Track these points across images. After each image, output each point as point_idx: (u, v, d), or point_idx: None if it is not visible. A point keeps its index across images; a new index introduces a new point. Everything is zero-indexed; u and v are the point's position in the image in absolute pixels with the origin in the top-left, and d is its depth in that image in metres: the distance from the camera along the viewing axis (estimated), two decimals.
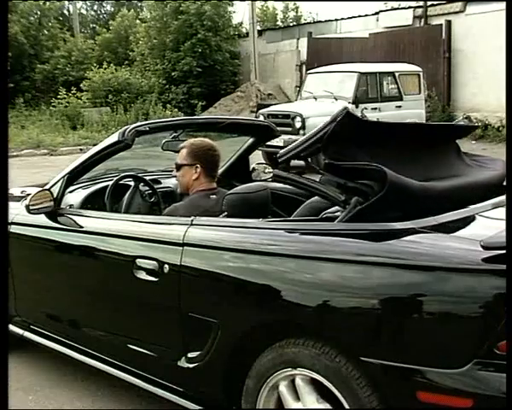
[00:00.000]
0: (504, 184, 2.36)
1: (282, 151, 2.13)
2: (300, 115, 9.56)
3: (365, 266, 1.74)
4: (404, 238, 1.76)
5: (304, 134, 7.18)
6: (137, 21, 21.15)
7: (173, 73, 18.11)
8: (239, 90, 18.45)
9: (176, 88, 18.03)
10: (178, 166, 2.80)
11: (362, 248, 1.80)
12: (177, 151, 2.93)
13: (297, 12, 27.04)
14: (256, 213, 2.33)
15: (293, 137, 8.09)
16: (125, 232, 2.49)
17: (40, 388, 2.92)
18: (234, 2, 19.79)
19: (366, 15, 16.23)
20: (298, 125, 9.50)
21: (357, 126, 2.06)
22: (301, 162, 2.15)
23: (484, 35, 12.86)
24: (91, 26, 29.11)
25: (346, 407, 1.78)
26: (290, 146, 2.10)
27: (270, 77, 18.56)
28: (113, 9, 29.97)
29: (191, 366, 2.20)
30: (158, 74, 18.65)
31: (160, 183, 3.47)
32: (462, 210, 1.98)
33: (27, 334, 3.03)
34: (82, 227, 2.70)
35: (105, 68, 17.83)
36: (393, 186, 1.82)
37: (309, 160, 2.12)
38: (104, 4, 31.19)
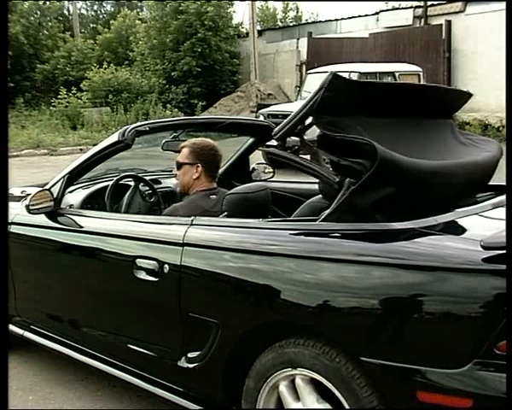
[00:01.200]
0: (500, 183, 2.36)
1: (277, 129, 2.12)
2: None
3: (365, 266, 1.74)
4: (404, 238, 1.76)
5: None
6: (137, 21, 21.16)
7: (173, 73, 18.12)
8: (239, 90, 18.45)
9: (176, 88, 18.05)
10: (179, 165, 2.80)
11: (362, 248, 1.80)
12: (177, 151, 2.93)
13: (297, 12, 27.07)
14: (256, 213, 2.33)
15: (294, 137, 8.09)
16: (125, 232, 2.48)
17: (40, 388, 2.92)
18: (234, 2, 19.83)
19: (366, 15, 16.24)
20: None
21: (348, 89, 2.03)
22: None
23: (484, 35, 12.87)
24: (91, 26, 29.12)
25: (346, 407, 1.78)
26: (284, 122, 2.10)
27: (270, 77, 18.56)
28: (113, 9, 30.00)
29: (191, 366, 2.20)
30: (158, 74, 18.66)
31: (160, 183, 3.48)
32: (462, 210, 1.98)
33: (27, 334, 3.03)
34: (82, 227, 2.70)
35: (105, 68, 17.85)
36: (384, 162, 1.81)
37: (304, 137, 2.11)
38: (104, 4, 31.25)
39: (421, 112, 2.29)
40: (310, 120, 2.04)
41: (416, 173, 1.92)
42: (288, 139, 2.22)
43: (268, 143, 3.77)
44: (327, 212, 1.98)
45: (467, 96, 2.57)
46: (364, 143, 1.84)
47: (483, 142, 2.48)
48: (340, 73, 2.04)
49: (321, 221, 1.97)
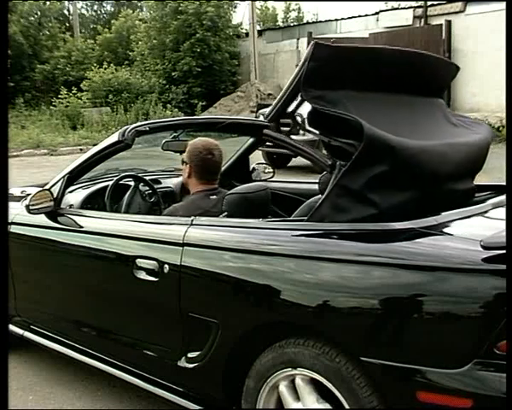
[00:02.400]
0: (500, 183, 2.35)
1: (268, 111, 2.12)
2: (300, 115, 9.52)
3: (365, 266, 1.74)
4: (404, 238, 1.76)
5: (304, 134, 7.18)
6: (137, 22, 21.16)
7: (173, 73, 18.12)
8: (239, 90, 18.45)
9: (176, 88, 18.04)
10: (182, 161, 2.82)
11: (362, 248, 1.80)
12: (177, 151, 2.94)
13: (299, 12, 27.03)
14: (256, 213, 2.33)
15: (294, 137, 8.09)
16: (125, 232, 2.48)
17: (40, 388, 2.92)
18: (235, 2, 19.82)
19: (366, 15, 16.22)
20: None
21: (334, 58, 2.00)
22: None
23: (484, 35, 12.87)
24: (91, 26, 29.12)
25: (346, 407, 1.78)
26: (274, 103, 2.10)
27: (270, 77, 18.55)
28: (113, 10, 30.00)
29: (191, 366, 2.20)
30: (158, 74, 18.65)
31: (160, 183, 3.48)
32: (461, 210, 1.98)
33: (27, 334, 3.03)
34: (82, 227, 2.70)
35: (105, 68, 17.84)
36: (371, 141, 1.81)
37: (296, 118, 2.10)
38: (104, 4, 31.24)
39: (412, 85, 2.26)
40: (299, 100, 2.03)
41: (406, 153, 1.90)
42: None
43: (268, 143, 3.77)
44: (322, 197, 1.97)
45: (455, 68, 2.56)
46: (351, 120, 1.84)
47: (474, 124, 2.48)
48: None
49: (317, 208, 1.96)
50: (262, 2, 26.19)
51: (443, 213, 1.89)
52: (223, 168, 3.30)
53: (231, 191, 2.55)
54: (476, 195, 2.36)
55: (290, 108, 2.48)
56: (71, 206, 2.92)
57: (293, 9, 27.24)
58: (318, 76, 1.93)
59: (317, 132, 2.07)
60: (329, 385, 1.81)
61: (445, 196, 2.11)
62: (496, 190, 2.38)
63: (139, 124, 2.73)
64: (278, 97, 2.06)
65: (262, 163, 3.95)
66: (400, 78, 2.22)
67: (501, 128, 12.10)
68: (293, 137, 2.75)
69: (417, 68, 2.33)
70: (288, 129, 2.27)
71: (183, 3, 17.69)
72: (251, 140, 3.44)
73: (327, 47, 1.98)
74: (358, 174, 1.87)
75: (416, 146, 1.95)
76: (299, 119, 2.60)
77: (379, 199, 1.88)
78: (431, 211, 1.93)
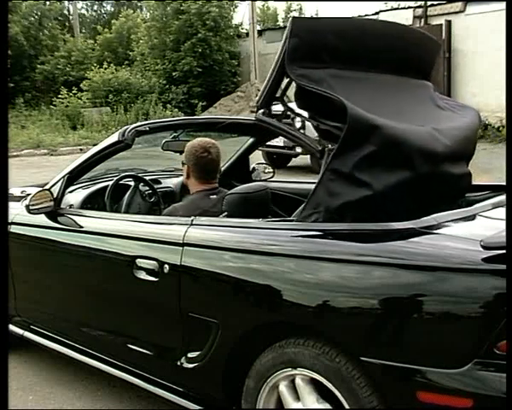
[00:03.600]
0: (500, 183, 2.35)
1: (258, 97, 2.12)
2: (300, 115, 9.54)
3: (365, 266, 1.74)
4: (404, 238, 1.75)
5: (304, 134, 7.18)
6: (138, 21, 21.16)
7: (174, 73, 18.11)
8: (239, 90, 18.45)
9: (176, 88, 18.03)
10: (182, 162, 2.82)
11: (362, 248, 1.80)
12: (177, 151, 2.93)
13: (300, 12, 27.03)
14: (256, 213, 2.33)
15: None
16: (125, 232, 2.48)
17: (40, 388, 2.92)
18: (236, 2, 19.82)
19: (366, 15, 16.22)
20: (298, 125, 9.46)
21: (316, 31, 2.00)
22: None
23: (484, 35, 12.86)
24: (91, 26, 29.12)
25: (346, 407, 1.78)
26: (262, 87, 2.11)
27: None
28: (113, 10, 30.01)
29: (191, 366, 2.20)
30: (158, 74, 18.65)
31: (160, 183, 3.48)
32: (461, 210, 1.98)
33: (27, 334, 3.03)
34: (82, 227, 2.70)
35: (105, 68, 17.84)
36: (355, 121, 1.81)
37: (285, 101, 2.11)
38: (104, 4, 31.24)
39: (397, 60, 2.26)
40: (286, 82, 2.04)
41: (392, 132, 1.90)
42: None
43: (268, 143, 3.77)
44: (316, 183, 1.97)
45: (437, 44, 2.57)
46: (335, 100, 1.84)
47: (461, 107, 2.48)
48: None
49: (312, 195, 1.96)
50: (262, 2, 26.21)
51: (443, 213, 1.89)
52: (223, 168, 3.30)
53: (231, 191, 2.55)
54: (476, 194, 2.36)
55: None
56: (71, 206, 2.92)
57: (295, 10, 27.26)
58: (301, 52, 1.93)
59: (307, 117, 2.08)
60: (329, 385, 1.81)
61: (440, 178, 2.10)
62: (496, 190, 2.38)
63: (139, 124, 2.73)
64: (265, 81, 2.07)
65: (262, 163, 3.95)
66: (385, 49, 2.22)
67: (501, 128, 12.10)
68: None
69: (401, 39, 2.33)
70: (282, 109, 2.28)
71: (184, 3, 17.68)
72: (251, 140, 3.44)
73: (306, 20, 1.99)
74: (347, 156, 1.88)
75: (401, 126, 1.96)
76: (298, 124, 2.58)
77: (371, 179, 1.89)
78: (429, 194, 1.91)
